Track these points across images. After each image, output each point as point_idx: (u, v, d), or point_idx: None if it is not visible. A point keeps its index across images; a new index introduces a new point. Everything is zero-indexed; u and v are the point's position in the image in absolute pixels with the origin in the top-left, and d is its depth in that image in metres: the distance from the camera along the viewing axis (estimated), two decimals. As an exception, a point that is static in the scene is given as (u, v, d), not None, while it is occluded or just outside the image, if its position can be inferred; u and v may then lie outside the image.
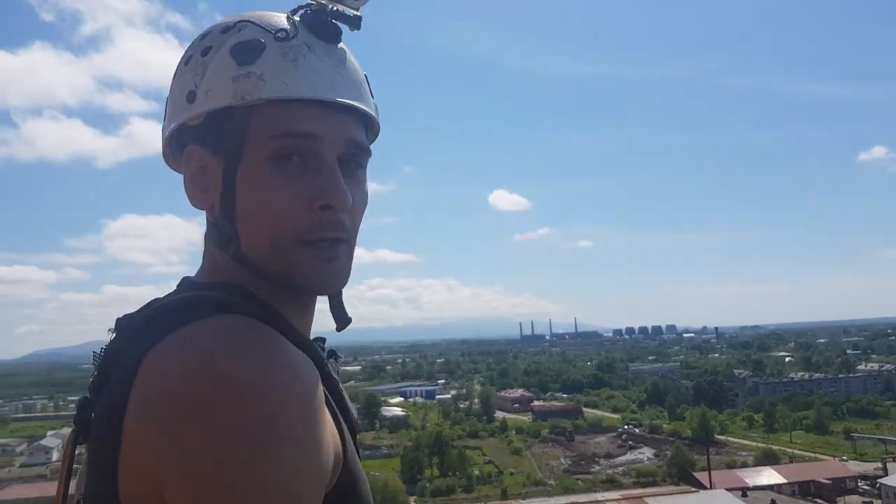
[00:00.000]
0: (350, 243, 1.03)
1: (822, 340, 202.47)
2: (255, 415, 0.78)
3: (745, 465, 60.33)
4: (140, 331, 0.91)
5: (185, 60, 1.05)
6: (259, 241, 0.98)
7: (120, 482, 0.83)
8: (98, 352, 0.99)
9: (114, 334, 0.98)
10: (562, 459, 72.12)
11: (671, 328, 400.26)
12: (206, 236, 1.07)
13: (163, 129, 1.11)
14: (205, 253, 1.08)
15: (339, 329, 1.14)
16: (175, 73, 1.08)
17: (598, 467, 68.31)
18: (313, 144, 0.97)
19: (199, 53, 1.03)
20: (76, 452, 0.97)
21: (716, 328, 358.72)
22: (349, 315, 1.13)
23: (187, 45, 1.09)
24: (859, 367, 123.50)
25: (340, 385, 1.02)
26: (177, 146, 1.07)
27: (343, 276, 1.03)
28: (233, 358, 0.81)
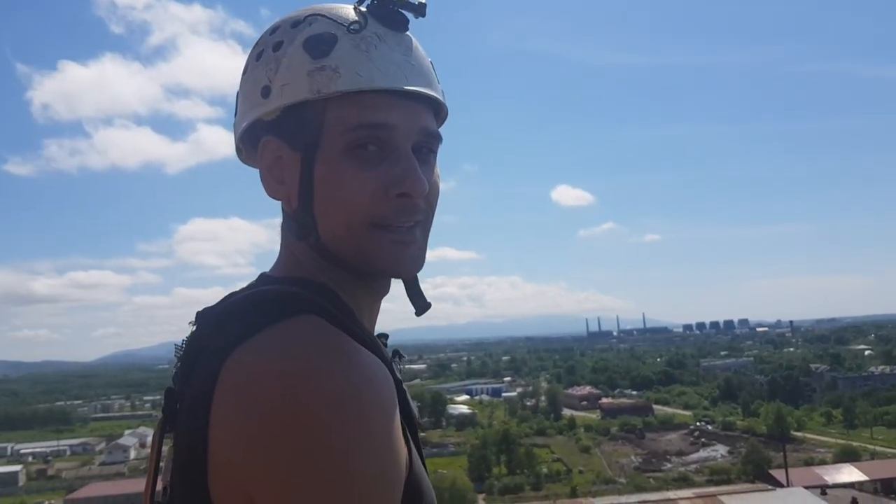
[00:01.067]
0: (426, 226, 1.06)
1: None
2: (339, 426, 0.81)
3: (823, 463, 58.11)
4: (221, 326, 0.95)
5: (256, 56, 1.06)
6: (338, 229, 1.00)
7: (210, 479, 0.87)
8: (180, 344, 1.04)
9: (194, 327, 1.03)
10: (632, 457, 70.84)
11: (743, 322, 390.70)
12: (283, 227, 1.09)
13: (235, 125, 1.12)
14: (282, 244, 1.10)
15: (418, 314, 1.16)
16: (245, 69, 1.09)
17: (669, 465, 66.87)
18: (389, 134, 0.99)
19: (270, 49, 1.04)
20: (164, 442, 1.00)
21: (790, 322, 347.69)
22: (428, 300, 1.15)
23: (251, 51, 1.10)
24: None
25: (404, 385, 1.03)
26: (250, 140, 1.09)
27: (420, 258, 1.05)
28: (316, 368, 0.84)
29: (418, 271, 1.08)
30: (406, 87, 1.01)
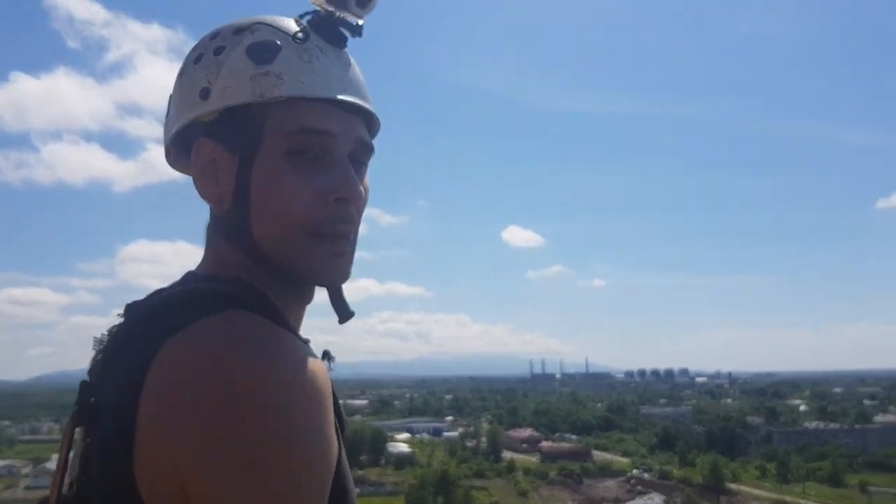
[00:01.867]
0: (355, 237, 1.08)
1: (838, 390, 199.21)
2: (276, 414, 0.81)
3: (757, 516, 58.65)
4: (150, 320, 0.94)
5: (195, 59, 1.08)
6: (274, 234, 1.01)
7: (137, 474, 0.85)
8: (101, 336, 1.02)
9: (122, 319, 1.01)
10: (569, 503, 70.69)
11: (683, 371, 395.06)
12: (211, 229, 1.10)
13: (166, 126, 1.13)
14: (207, 246, 1.10)
15: (341, 321, 1.16)
16: (182, 72, 1.10)
17: (605, 513, 66.82)
18: (328, 141, 1.02)
19: (211, 52, 1.06)
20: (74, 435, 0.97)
21: (729, 373, 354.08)
22: (351, 309, 1.16)
23: (188, 54, 1.11)
24: (876, 419, 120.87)
25: (332, 384, 1.04)
26: (182, 142, 1.10)
27: (349, 269, 1.08)
28: (251, 360, 0.84)
29: (345, 282, 1.10)
30: (346, 98, 1.04)
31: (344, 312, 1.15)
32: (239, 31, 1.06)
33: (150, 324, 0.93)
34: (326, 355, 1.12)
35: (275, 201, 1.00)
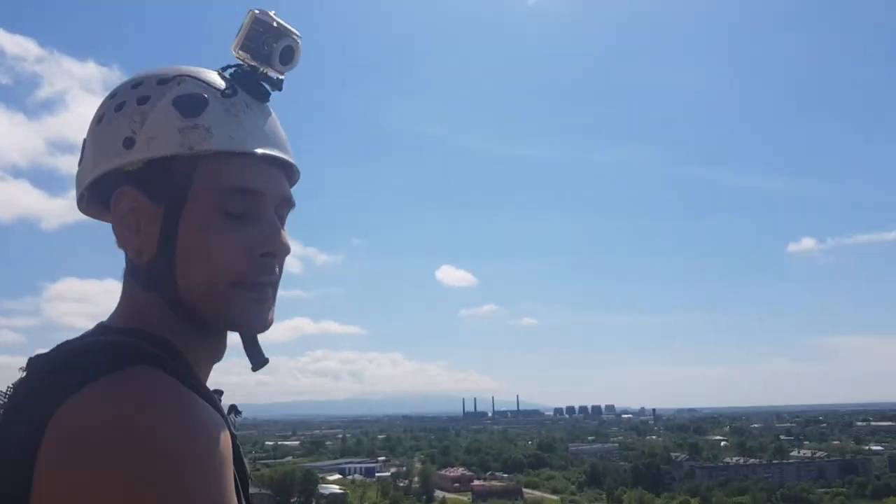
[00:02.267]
0: (276, 287, 1.10)
1: (756, 425, 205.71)
2: (172, 474, 0.82)
3: (679, 550, 60.80)
4: (53, 374, 0.93)
5: (116, 107, 1.06)
6: (199, 285, 1.01)
7: None
8: (5, 391, 1.00)
9: (24, 374, 0.99)
10: (500, 541, 71.70)
11: (610, 408, 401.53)
12: (127, 278, 1.09)
13: (81, 172, 1.11)
14: (123, 294, 1.09)
15: (254, 369, 1.15)
16: (101, 119, 1.08)
17: (536, 550, 68.09)
18: (258, 199, 1.04)
19: (134, 101, 1.05)
20: None
21: (653, 410, 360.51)
22: (265, 356, 1.16)
23: (107, 101, 1.10)
24: (792, 454, 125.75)
25: (237, 440, 1.03)
26: (100, 189, 1.08)
27: (271, 317, 1.09)
28: (153, 417, 0.84)
29: (267, 329, 1.10)
30: (273, 153, 1.06)
31: (258, 359, 1.15)
32: (163, 81, 1.05)
33: (51, 380, 0.91)
34: (233, 409, 1.13)
35: (203, 254, 1.01)
